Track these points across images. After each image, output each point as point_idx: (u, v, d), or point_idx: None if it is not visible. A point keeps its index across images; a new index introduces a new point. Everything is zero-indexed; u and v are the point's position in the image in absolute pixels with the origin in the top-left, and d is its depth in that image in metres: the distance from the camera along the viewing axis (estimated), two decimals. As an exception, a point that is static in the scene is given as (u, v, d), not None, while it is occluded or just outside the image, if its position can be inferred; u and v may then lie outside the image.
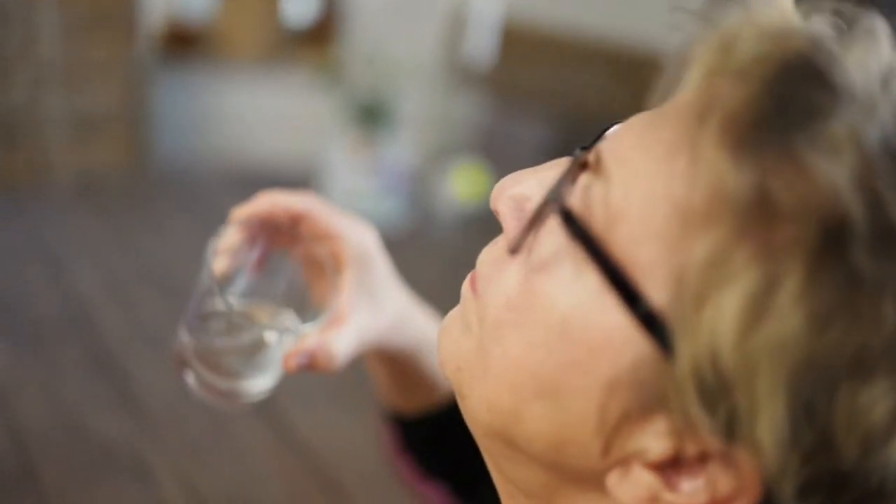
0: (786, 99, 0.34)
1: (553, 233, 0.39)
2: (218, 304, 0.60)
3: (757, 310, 0.32)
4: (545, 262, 0.39)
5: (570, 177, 0.40)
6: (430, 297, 0.82)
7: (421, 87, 3.18)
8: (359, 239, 0.66)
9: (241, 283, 0.66)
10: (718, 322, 0.32)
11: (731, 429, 0.33)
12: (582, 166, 0.40)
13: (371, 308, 0.66)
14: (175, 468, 1.67)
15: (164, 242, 2.70)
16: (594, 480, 0.39)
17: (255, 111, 3.39)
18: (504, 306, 0.40)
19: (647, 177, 0.36)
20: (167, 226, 2.84)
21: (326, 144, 3.02)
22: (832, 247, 0.31)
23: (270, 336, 0.62)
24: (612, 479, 0.38)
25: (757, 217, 0.32)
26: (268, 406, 1.89)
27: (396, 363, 0.73)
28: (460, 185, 2.95)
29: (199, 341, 0.62)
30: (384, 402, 0.81)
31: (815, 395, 0.31)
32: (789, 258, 0.32)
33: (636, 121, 0.40)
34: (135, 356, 2.02)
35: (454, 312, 0.47)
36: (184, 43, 3.42)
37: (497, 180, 0.43)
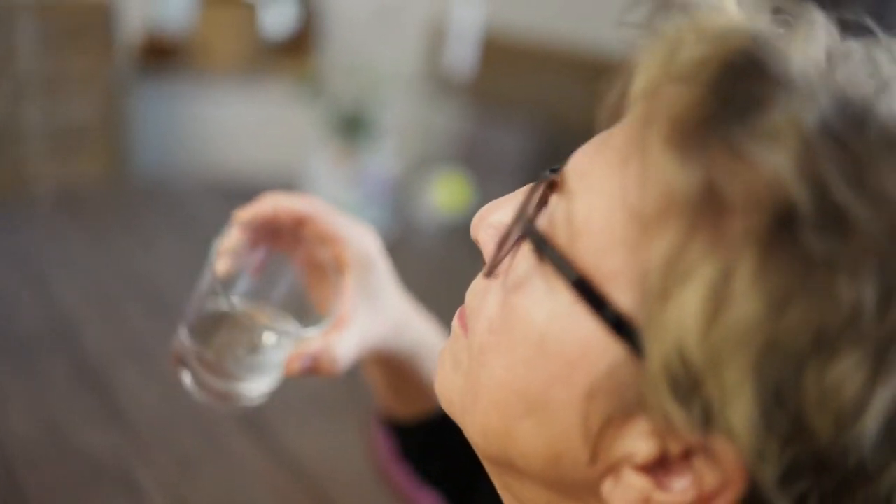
0: (728, 95, 0.35)
1: (525, 254, 0.41)
2: (220, 305, 0.60)
3: (716, 301, 0.33)
4: (519, 282, 0.40)
5: (536, 198, 0.42)
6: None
7: (402, 97, 3.18)
8: (361, 242, 0.67)
9: (241, 285, 0.67)
10: (682, 317, 0.33)
11: (707, 421, 0.33)
12: (551, 187, 0.42)
13: (372, 311, 0.67)
14: (163, 482, 1.66)
15: (148, 254, 2.69)
16: (593, 492, 0.40)
17: (236, 122, 3.38)
18: (487, 330, 0.41)
19: (604, 187, 0.38)
20: (150, 238, 2.83)
21: (308, 155, 3.02)
22: (782, 232, 0.32)
23: (271, 338, 0.62)
24: (607, 487, 0.38)
25: (707, 212, 0.33)
26: (255, 417, 1.88)
27: (394, 368, 0.73)
28: (442, 194, 2.95)
29: (199, 341, 0.62)
30: (380, 407, 0.81)
31: (783, 378, 0.32)
32: (742, 248, 0.32)
33: (597, 136, 0.42)
34: (120, 369, 2.01)
35: (446, 348, 0.48)
36: (162, 54, 3.41)
37: (479, 189, 0.45)
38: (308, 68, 3.31)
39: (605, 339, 0.36)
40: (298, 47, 3.50)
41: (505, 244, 0.42)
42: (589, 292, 0.37)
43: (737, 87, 0.35)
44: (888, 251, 0.32)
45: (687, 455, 0.36)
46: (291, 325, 0.65)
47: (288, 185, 3.14)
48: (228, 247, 0.65)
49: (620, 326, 0.36)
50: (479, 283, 0.46)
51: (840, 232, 0.32)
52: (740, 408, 0.32)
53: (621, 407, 0.36)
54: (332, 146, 2.90)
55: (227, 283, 0.62)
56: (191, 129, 3.40)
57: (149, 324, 2.27)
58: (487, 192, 2.78)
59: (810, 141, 0.33)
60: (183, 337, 0.63)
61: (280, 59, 3.50)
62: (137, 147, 3.27)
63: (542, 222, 0.41)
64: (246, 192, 2.84)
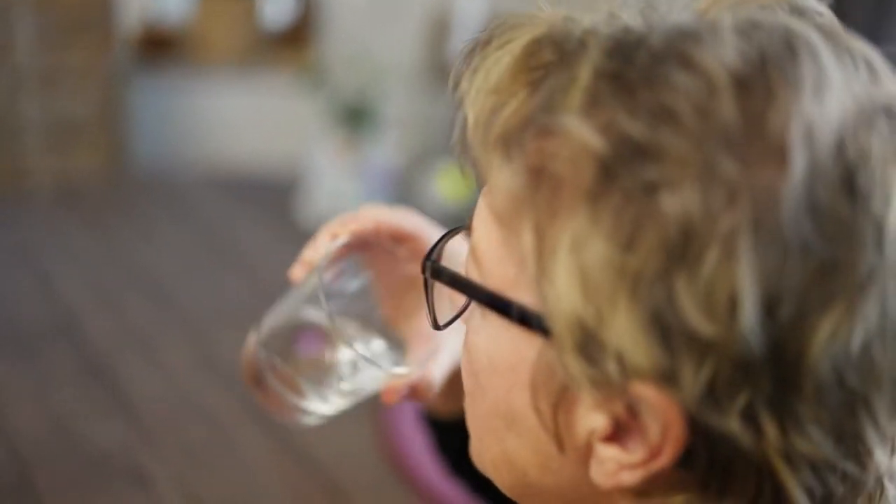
0: (531, 91, 0.37)
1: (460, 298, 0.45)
2: (318, 317, 0.57)
3: (577, 260, 0.35)
4: (468, 322, 0.45)
5: (442, 246, 0.47)
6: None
7: (404, 87, 3.17)
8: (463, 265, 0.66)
9: (333, 300, 0.64)
10: (561, 287, 0.35)
11: (621, 369, 0.35)
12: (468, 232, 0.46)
13: (459, 329, 0.66)
14: (174, 475, 1.66)
15: (148, 246, 2.67)
16: (608, 498, 0.41)
17: (236, 114, 3.37)
18: (464, 378, 0.46)
19: (483, 213, 0.41)
20: (150, 230, 2.82)
21: (310, 147, 3.01)
22: (601, 181, 0.34)
23: (356, 363, 0.60)
24: (593, 472, 0.40)
25: (544, 194, 0.36)
26: (263, 410, 1.86)
27: (456, 372, 0.72)
28: (445, 185, 2.95)
29: (281, 354, 0.60)
30: (423, 404, 0.80)
31: (659, 302, 0.33)
32: (575, 207, 0.35)
33: None
34: (126, 362, 2.00)
35: None
36: (161, 47, 3.40)
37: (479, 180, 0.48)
38: (308, 59, 3.30)
39: (524, 336, 0.39)
40: (298, 38, 3.49)
41: (428, 292, 0.46)
42: (493, 301, 0.40)
43: (536, 79, 0.38)
44: (690, 154, 0.34)
45: (633, 413, 0.37)
46: (379, 346, 0.63)
47: (290, 176, 3.15)
48: (328, 262, 0.63)
49: (526, 319, 0.39)
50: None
51: (644, 158, 0.34)
52: (635, 343, 0.34)
53: (559, 390, 0.38)
54: (334, 138, 2.90)
55: (312, 297, 0.60)
56: (190, 121, 3.38)
57: (152, 316, 2.26)
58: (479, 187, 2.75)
59: (589, 90, 0.35)
60: (260, 346, 0.61)
61: (280, 50, 3.49)
62: (136, 140, 3.25)
63: (458, 267, 0.45)
64: (248, 185, 2.83)
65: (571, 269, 0.35)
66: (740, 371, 0.34)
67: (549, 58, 0.38)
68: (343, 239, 0.61)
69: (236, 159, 3.37)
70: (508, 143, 0.38)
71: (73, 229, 2.72)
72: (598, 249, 0.34)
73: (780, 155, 0.33)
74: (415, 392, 0.61)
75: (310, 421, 0.62)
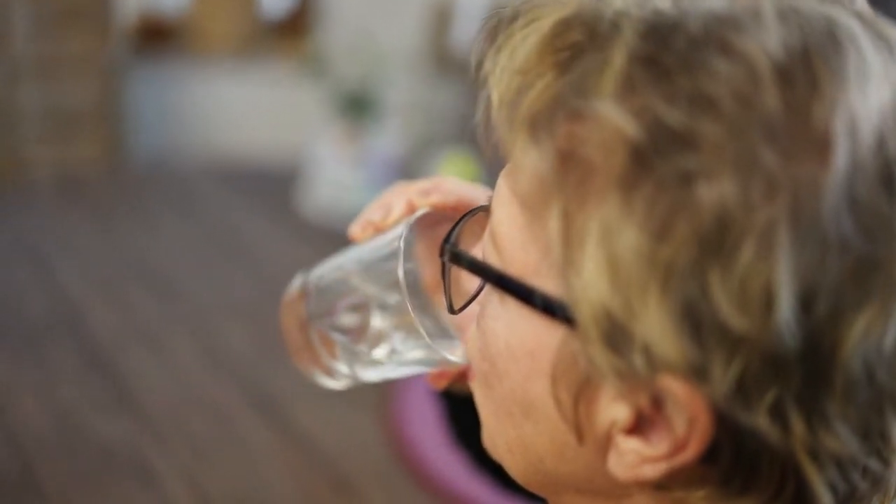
0: (561, 70, 0.36)
1: (475, 280, 0.45)
2: (397, 276, 0.53)
3: (608, 249, 0.34)
4: (482, 307, 0.44)
5: (459, 229, 0.46)
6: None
7: (406, 76, 3.15)
8: None
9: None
10: (590, 276, 0.35)
11: (650, 364, 0.34)
12: (485, 219, 0.45)
13: None
14: (180, 469, 1.64)
15: (150, 237, 2.65)
16: (625, 491, 0.41)
17: (236, 104, 3.35)
18: (480, 360, 0.44)
19: (504, 195, 0.40)
20: (152, 221, 2.79)
21: (311, 136, 2.99)
22: (634, 168, 0.33)
23: (407, 336, 0.56)
24: (612, 464, 0.39)
25: (573, 179, 0.35)
26: (269, 400, 1.86)
27: None
28: (449, 173, 2.92)
29: (328, 308, 0.56)
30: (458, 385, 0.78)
31: (691, 295, 0.33)
32: (606, 195, 0.34)
33: None
34: (129, 355, 1.98)
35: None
36: (159, 36, 3.37)
37: (485, 168, 0.46)
38: (309, 48, 3.27)
39: (546, 324, 0.38)
40: (298, 26, 3.47)
41: (445, 277, 0.46)
42: (515, 288, 0.39)
43: (567, 61, 0.37)
44: (729, 143, 0.33)
45: (657, 406, 0.36)
46: (445, 343, 0.58)
47: (292, 166, 3.12)
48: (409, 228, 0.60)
49: (550, 308, 0.38)
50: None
51: (680, 146, 0.33)
52: (665, 336, 0.33)
53: (581, 380, 0.38)
54: (336, 127, 2.88)
55: (386, 260, 0.55)
56: (190, 111, 3.36)
57: (155, 307, 2.25)
58: (493, 170, 2.73)
59: (623, 74, 0.34)
60: (311, 303, 0.57)
61: (280, 38, 3.46)
62: (136, 130, 3.24)
63: (476, 251, 0.45)
64: (249, 174, 2.81)
65: (600, 258, 0.34)
66: (772, 367, 0.33)
67: (579, 39, 0.37)
68: (421, 211, 0.57)
69: (237, 150, 3.35)
70: (536, 125, 0.36)
71: (73, 221, 2.70)
72: (630, 239, 0.33)
73: (822, 147, 0.33)
74: (461, 378, 0.59)
75: (332, 384, 0.59)
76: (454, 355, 0.53)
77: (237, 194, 3.06)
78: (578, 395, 0.38)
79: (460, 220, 0.48)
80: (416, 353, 0.55)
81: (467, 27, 3.17)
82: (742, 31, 0.34)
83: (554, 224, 0.36)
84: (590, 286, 0.35)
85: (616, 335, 0.35)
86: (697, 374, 0.33)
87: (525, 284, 0.39)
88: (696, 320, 0.33)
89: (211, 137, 3.36)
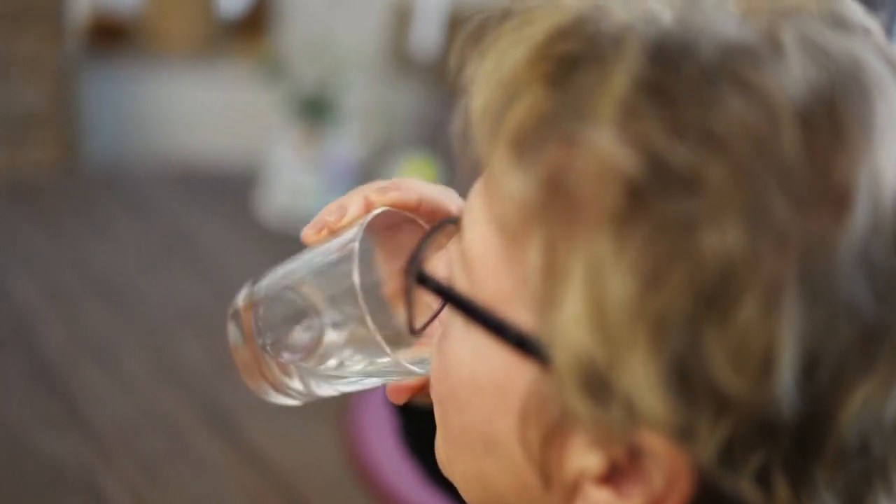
0: (554, 90, 0.34)
1: (438, 302, 0.42)
2: (352, 282, 0.48)
3: (594, 291, 0.31)
4: (444, 329, 0.41)
5: (426, 246, 0.42)
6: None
7: (365, 78, 3.12)
8: None
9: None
10: (571, 317, 0.32)
11: (630, 417, 0.32)
12: (452, 232, 0.42)
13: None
14: (128, 486, 1.60)
15: (103, 245, 2.59)
16: None
17: (193, 106, 3.29)
18: (436, 382, 0.42)
19: (479, 215, 0.37)
20: (105, 228, 2.73)
21: (269, 139, 2.95)
22: (630, 206, 0.31)
23: (366, 348, 0.52)
24: None
25: (559, 208, 0.33)
26: (223, 415, 1.82)
27: None
28: (408, 177, 2.89)
29: (276, 330, 0.52)
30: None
31: (683, 349, 0.30)
32: (597, 232, 0.32)
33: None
34: (80, 369, 1.93)
35: None
36: (113, 36, 3.30)
37: (444, 172, 0.43)
38: (266, 49, 3.23)
39: (518, 360, 0.36)
40: (255, 26, 3.42)
41: (409, 297, 0.42)
42: (486, 320, 0.37)
43: (561, 78, 0.34)
44: (739, 189, 0.30)
45: (633, 457, 0.34)
46: (406, 359, 0.54)
47: (249, 169, 3.07)
48: (364, 229, 0.55)
49: (524, 344, 0.35)
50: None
51: (684, 187, 0.30)
52: (650, 391, 0.31)
53: (552, 424, 0.35)
54: (294, 129, 2.84)
55: (338, 264, 0.51)
56: (145, 113, 3.30)
57: (107, 319, 2.18)
58: (453, 174, 2.71)
59: (624, 99, 0.31)
60: (255, 317, 0.53)
61: (236, 38, 3.41)
62: (89, 133, 3.17)
63: (441, 271, 0.42)
64: (206, 179, 2.75)
65: (585, 299, 0.32)
66: (763, 432, 0.31)
67: (576, 51, 0.33)
68: (382, 209, 0.53)
69: (193, 153, 3.30)
70: (522, 145, 0.34)
71: (23, 227, 2.63)
72: (619, 283, 0.31)
73: (841, 203, 0.30)
74: (421, 391, 0.55)
75: (285, 401, 0.55)
76: (417, 366, 0.50)
77: (193, 198, 3.00)
78: (549, 437, 0.36)
79: (427, 235, 0.44)
80: (374, 365, 0.51)
81: (427, 29, 3.14)
82: (761, 66, 0.31)
83: (534, 255, 0.34)
84: (570, 328, 0.32)
85: (595, 383, 0.32)
86: (682, 433, 0.31)
87: (497, 317, 0.36)
88: (685, 377, 0.30)
89: (167, 140, 3.31)
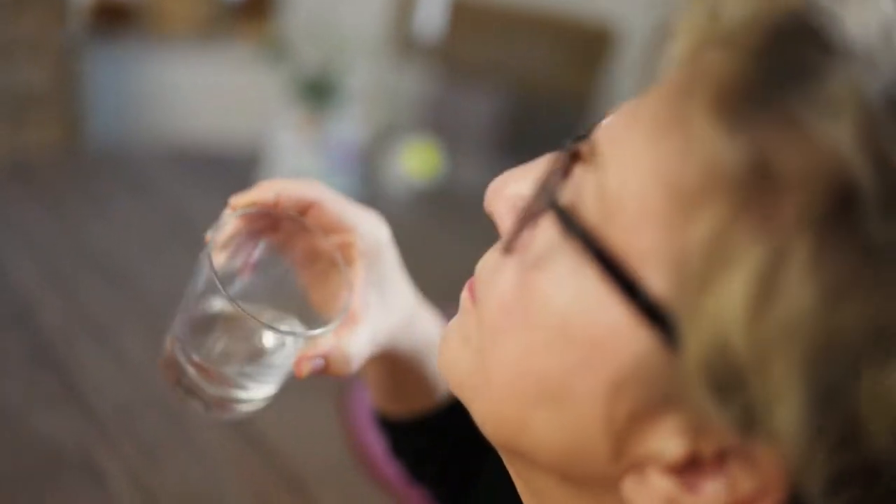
0: (779, 62, 0.31)
1: (547, 229, 0.37)
2: (217, 305, 0.52)
3: (765, 290, 0.29)
4: (540, 259, 0.37)
5: (560, 170, 0.38)
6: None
7: (368, 61, 3.10)
8: (371, 230, 0.62)
9: (237, 283, 0.59)
10: (725, 306, 0.30)
11: (749, 422, 0.30)
12: (574, 158, 0.38)
13: (384, 305, 0.62)
14: (128, 469, 1.60)
15: (105, 226, 2.59)
16: (610, 489, 0.37)
17: (195, 88, 3.28)
18: (500, 310, 0.38)
19: (639, 160, 0.34)
20: (107, 209, 2.73)
21: (272, 122, 2.94)
22: (841, 214, 0.29)
23: (273, 340, 0.55)
24: (628, 486, 0.35)
25: (757, 190, 0.30)
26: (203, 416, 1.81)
27: (397, 364, 0.68)
28: (411, 161, 2.89)
29: (194, 347, 0.54)
30: (374, 403, 0.76)
31: (837, 379, 0.29)
32: (796, 230, 0.29)
33: (628, 104, 0.38)
34: (80, 350, 1.93)
35: (454, 322, 0.45)
36: (116, 17, 3.29)
37: (448, 156, 0.40)
38: (269, 31, 3.21)
39: (635, 325, 0.33)
40: (258, 8, 3.40)
41: (526, 219, 0.38)
42: (619, 273, 0.34)
43: (789, 52, 0.31)
44: None
45: (721, 457, 0.32)
46: (297, 326, 0.58)
47: (251, 152, 3.07)
48: (225, 239, 0.57)
49: (653, 312, 0.32)
50: (492, 256, 0.42)
51: None
52: (787, 410, 0.29)
53: (650, 401, 0.33)
54: (297, 112, 2.82)
55: (225, 280, 0.54)
56: (147, 94, 3.29)
57: (108, 300, 2.18)
58: (457, 158, 2.70)
59: (873, 113, 0.29)
60: (175, 343, 0.56)
61: (239, 20, 3.39)
62: (92, 114, 3.16)
63: (566, 195, 0.38)
64: (208, 160, 2.74)
65: (751, 292, 0.29)
66: (872, 475, 0.30)
67: (801, 32, 0.31)
68: (239, 212, 0.55)
69: (195, 134, 3.29)
70: (734, 108, 0.31)
71: (25, 207, 2.62)
72: (798, 289, 0.29)
73: None
74: (329, 364, 0.55)
75: (246, 409, 0.58)
76: (313, 331, 0.52)
77: (195, 180, 2.99)
78: (639, 413, 0.34)
79: (556, 158, 0.39)
80: (289, 345, 0.55)
81: (431, 12, 3.12)
82: None
83: (704, 228, 0.31)
84: (720, 316, 0.30)
85: (724, 378, 0.30)
86: (797, 456, 0.30)
87: (631, 272, 0.33)
88: (828, 405, 0.29)
89: (169, 121, 3.30)
